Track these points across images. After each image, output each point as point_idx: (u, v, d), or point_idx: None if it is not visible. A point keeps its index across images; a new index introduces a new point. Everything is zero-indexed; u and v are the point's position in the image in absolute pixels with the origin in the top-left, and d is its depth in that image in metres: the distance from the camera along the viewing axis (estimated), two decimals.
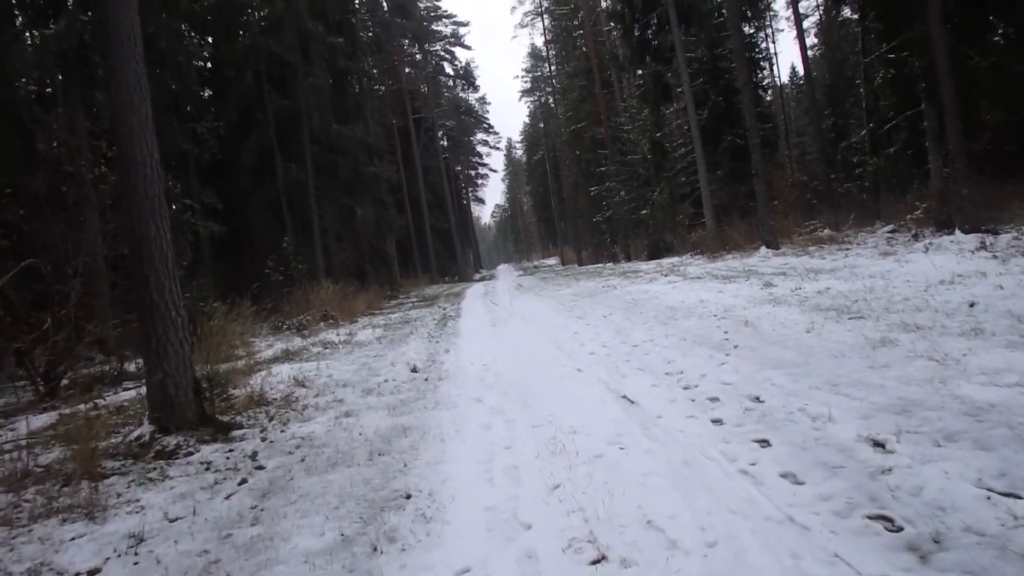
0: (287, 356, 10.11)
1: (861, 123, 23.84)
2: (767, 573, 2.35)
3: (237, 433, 4.71)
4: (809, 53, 30.61)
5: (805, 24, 38.60)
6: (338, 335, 12.49)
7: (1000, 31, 12.11)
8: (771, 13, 35.07)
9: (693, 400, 4.58)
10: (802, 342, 5.73)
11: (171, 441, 4.36)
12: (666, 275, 14.23)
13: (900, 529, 2.51)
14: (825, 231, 16.72)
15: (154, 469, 4.04)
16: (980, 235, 9.98)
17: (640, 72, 21.28)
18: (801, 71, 40.81)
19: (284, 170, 21.05)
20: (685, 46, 18.19)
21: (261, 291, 17.16)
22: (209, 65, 20.23)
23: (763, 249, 14.73)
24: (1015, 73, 11.28)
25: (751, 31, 22.88)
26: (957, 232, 10.82)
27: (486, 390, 5.96)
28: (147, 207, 4.44)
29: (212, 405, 4.92)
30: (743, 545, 2.55)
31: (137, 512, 3.52)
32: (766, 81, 30.95)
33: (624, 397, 4.95)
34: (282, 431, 4.82)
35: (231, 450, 4.36)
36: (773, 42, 33.55)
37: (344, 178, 22.84)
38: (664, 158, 20.93)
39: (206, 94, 21.42)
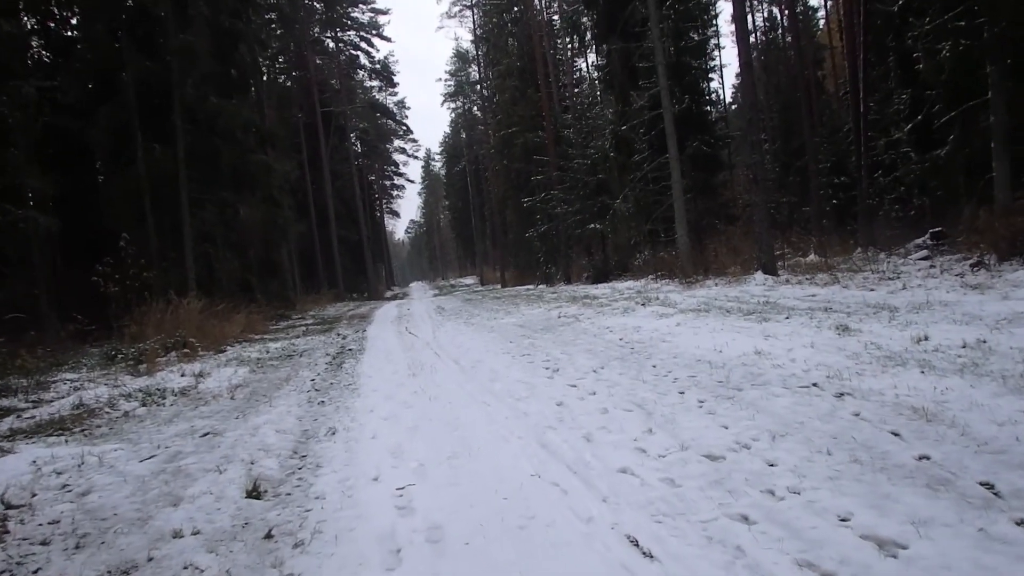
0: (65, 422, 6.20)
1: (823, 139, 21.55)
2: None
3: None
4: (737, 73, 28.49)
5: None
6: (183, 376, 8.59)
7: None
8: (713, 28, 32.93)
9: None
10: None
11: None
12: (643, 304, 10.78)
13: None
14: (810, 256, 13.90)
15: None
16: None
17: (604, 50, 18.02)
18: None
19: (146, 152, 16.27)
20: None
21: (120, 308, 12.73)
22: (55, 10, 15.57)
23: (759, 275, 11.59)
24: None
25: (699, 37, 20.02)
26: None
27: None
28: None
29: None
30: None
31: None
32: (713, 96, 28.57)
33: None
34: None
35: None
36: (719, 52, 31.20)
37: (227, 167, 18.23)
38: (630, 158, 17.63)
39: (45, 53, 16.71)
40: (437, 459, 4.06)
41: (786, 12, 33.13)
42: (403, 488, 3.60)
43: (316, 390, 6.99)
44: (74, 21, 17.34)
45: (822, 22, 34.49)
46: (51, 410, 6.81)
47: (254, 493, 3.75)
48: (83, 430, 5.81)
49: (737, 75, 45.95)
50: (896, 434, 3.38)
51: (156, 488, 3.92)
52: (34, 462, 4.55)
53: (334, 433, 5.00)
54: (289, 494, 3.75)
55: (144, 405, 6.80)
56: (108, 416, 6.40)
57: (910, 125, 11.68)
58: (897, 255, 11.82)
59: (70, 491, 3.97)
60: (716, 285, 12.14)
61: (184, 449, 4.81)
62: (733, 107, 40.89)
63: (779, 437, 3.57)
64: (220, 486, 3.85)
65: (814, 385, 4.45)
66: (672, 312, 9.22)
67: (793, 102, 25.06)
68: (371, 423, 5.21)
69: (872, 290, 8.53)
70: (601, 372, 6.00)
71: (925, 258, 10.40)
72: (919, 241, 11.99)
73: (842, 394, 4.16)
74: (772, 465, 3.23)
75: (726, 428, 3.88)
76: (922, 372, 4.33)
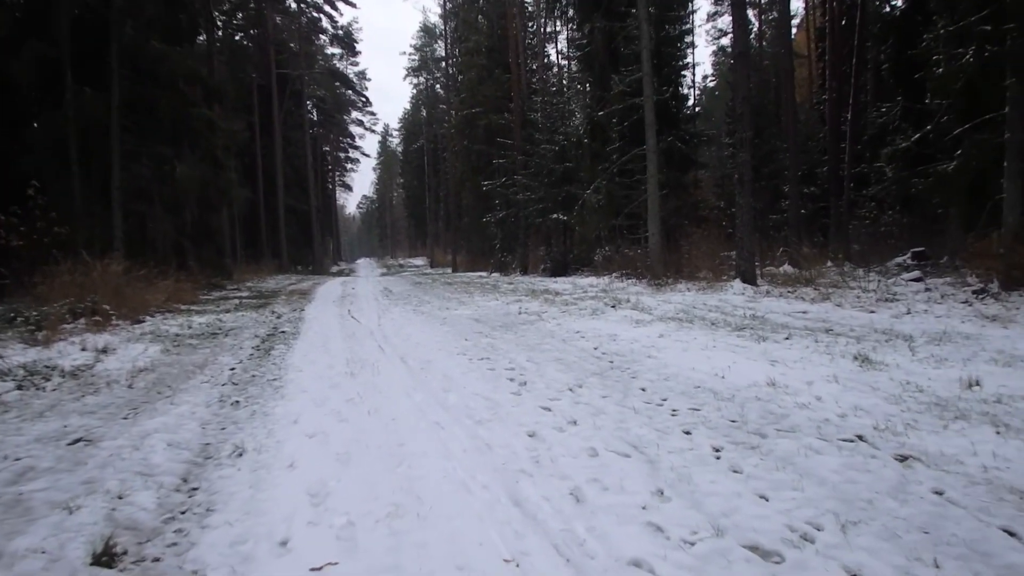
0: None
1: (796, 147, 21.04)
2: None
3: None
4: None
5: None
6: (83, 350, 7.41)
7: None
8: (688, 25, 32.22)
9: None
10: None
11: None
12: (613, 307, 9.82)
13: None
14: (784, 267, 13.23)
15: None
16: None
17: (585, 30, 17.02)
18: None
19: (75, 94, 14.62)
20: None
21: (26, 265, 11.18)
22: None
23: (737, 283, 10.79)
24: None
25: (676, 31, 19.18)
26: None
27: None
28: None
29: None
30: None
31: None
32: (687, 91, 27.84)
33: None
34: None
35: None
36: (692, 52, 30.49)
37: (167, 119, 16.68)
38: (605, 146, 16.63)
39: None
40: (373, 515, 2.96)
41: (761, 17, 32.91)
42: (320, 571, 2.50)
43: (233, 383, 5.85)
44: None
45: (794, 31, 34.38)
46: None
47: (105, 558, 2.62)
48: None
49: (704, 77, 45.77)
50: (1012, 534, 2.45)
51: None
52: None
53: (241, 454, 3.85)
54: (157, 560, 2.63)
55: (20, 388, 5.62)
56: None
57: (917, 135, 11.00)
58: (876, 272, 11.17)
59: None
60: (689, 290, 11.29)
61: (39, 464, 3.66)
62: (697, 109, 40.49)
63: (850, 525, 2.59)
64: (62, 539, 2.71)
65: (860, 439, 3.52)
66: (649, 319, 8.28)
67: (762, 108, 24.65)
68: (291, 442, 4.08)
69: (872, 312, 7.75)
70: (579, 392, 4.98)
71: (917, 279, 9.73)
72: (900, 260, 11.44)
73: (905, 457, 3.22)
74: None
75: (766, 500, 2.90)
76: (997, 432, 3.44)
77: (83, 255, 11.36)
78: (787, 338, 6.35)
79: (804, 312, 8.06)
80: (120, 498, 3.12)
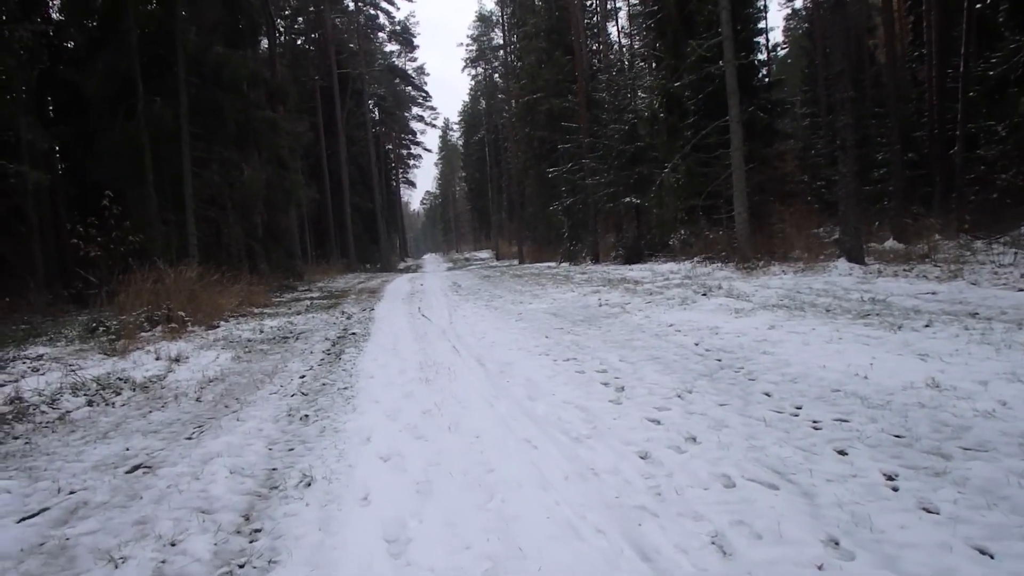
0: None
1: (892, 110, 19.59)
2: None
3: None
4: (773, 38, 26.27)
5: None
6: (157, 359, 7.43)
7: None
8: None
9: None
10: None
11: None
12: (704, 294, 8.96)
13: None
14: (888, 243, 12.09)
15: None
16: None
17: None
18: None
19: (146, 104, 15.02)
20: None
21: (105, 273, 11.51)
22: None
23: (842, 263, 9.73)
24: None
25: None
26: None
27: None
28: None
29: None
30: None
31: None
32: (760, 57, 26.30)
33: None
34: None
35: None
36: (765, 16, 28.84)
37: (231, 122, 16.81)
38: (683, 120, 15.57)
39: None
40: (464, 573, 2.37)
41: None
42: None
43: (303, 394, 5.43)
44: None
45: None
46: None
47: None
48: None
49: (775, 45, 43.68)
50: None
51: None
52: None
53: (310, 484, 3.35)
54: None
55: (90, 404, 5.48)
56: (38, 420, 5.09)
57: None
58: (1003, 244, 9.93)
59: None
60: (785, 273, 10.28)
61: (93, 498, 3.33)
62: (767, 80, 38.65)
63: None
64: None
65: None
66: (749, 307, 7.42)
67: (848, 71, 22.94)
68: (364, 466, 3.56)
69: (1022, 290, 6.68)
70: (689, 399, 4.26)
71: None
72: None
73: None
74: None
75: (990, 557, 2.14)
76: None
77: (158, 263, 11.53)
78: (927, 325, 5.42)
79: (933, 293, 7.04)
80: (172, 545, 2.74)
